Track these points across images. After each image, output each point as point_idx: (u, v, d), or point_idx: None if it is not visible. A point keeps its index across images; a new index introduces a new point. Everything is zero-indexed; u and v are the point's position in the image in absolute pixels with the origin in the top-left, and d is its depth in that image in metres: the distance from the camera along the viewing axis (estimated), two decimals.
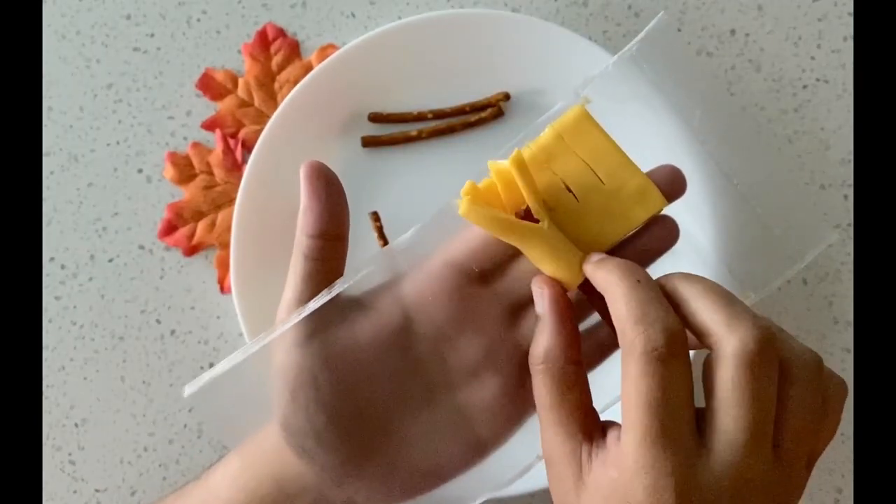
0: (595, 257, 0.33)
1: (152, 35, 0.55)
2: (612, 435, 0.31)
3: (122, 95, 0.55)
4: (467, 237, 0.36)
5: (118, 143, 0.55)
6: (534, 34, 0.51)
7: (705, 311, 0.30)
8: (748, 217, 0.37)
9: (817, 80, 0.54)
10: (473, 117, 0.53)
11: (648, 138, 0.38)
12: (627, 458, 0.29)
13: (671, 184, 0.36)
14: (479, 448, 0.36)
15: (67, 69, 0.55)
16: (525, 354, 0.35)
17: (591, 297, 0.35)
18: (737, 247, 0.40)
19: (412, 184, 0.53)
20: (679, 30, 0.55)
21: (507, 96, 0.52)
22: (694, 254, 0.41)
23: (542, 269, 0.34)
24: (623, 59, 0.36)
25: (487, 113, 0.52)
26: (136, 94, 0.55)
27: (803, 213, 0.37)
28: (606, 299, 0.31)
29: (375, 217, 0.52)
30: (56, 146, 0.55)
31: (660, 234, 0.37)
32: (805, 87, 0.54)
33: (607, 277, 0.32)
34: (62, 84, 0.55)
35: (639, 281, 0.30)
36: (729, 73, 0.54)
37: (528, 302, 0.36)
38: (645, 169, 0.36)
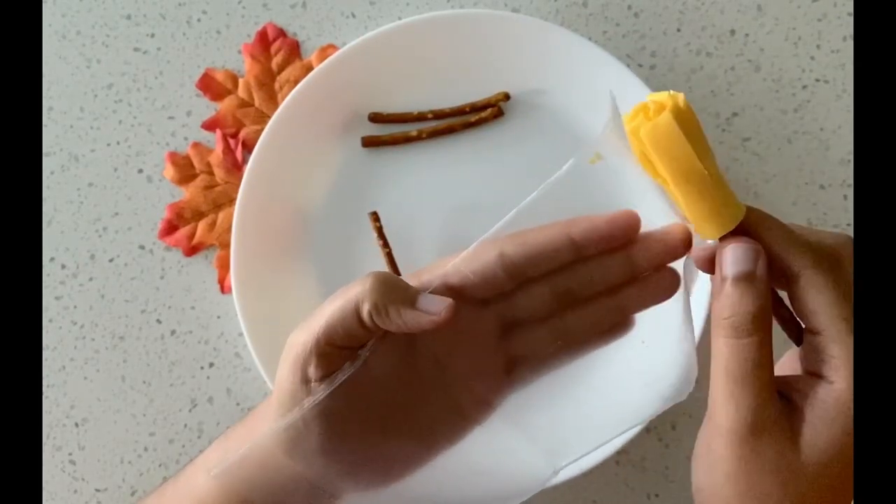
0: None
1: (153, 35, 0.55)
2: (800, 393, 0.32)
3: (123, 95, 0.55)
4: (468, 266, 0.36)
5: (118, 143, 0.55)
6: (534, 34, 0.51)
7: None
8: None
9: (817, 80, 0.54)
10: (473, 117, 0.53)
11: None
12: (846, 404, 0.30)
13: (682, 244, 0.36)
14: (466, 425, 0.38)
15: (68, 69, 0.55)
16: (512, 359, 0.38)
17: None
18: None
19: (412, 184, 0.53)
20: (679, 30, 0.55)
21: (507, 96, 0.52)
22: None
23: (702, 216, 0.33)
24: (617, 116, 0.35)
25: (487, 113, 0.52)
26: (136, 94, 0.55)
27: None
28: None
29: (375, 217, 0.52)
30: (56, 146, 0.55)
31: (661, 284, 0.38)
32: (805, 87, 0.54)
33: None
34: (62, 84, 0.55)
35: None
36: (728, 73, 0.54)
37: (521, 321, 0.37)
38: (658, 223, 0.36)
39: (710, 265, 0.34)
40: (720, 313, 0.32)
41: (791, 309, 0.34)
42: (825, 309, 0.31)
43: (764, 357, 0.31)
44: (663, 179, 0.33)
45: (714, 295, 0.33)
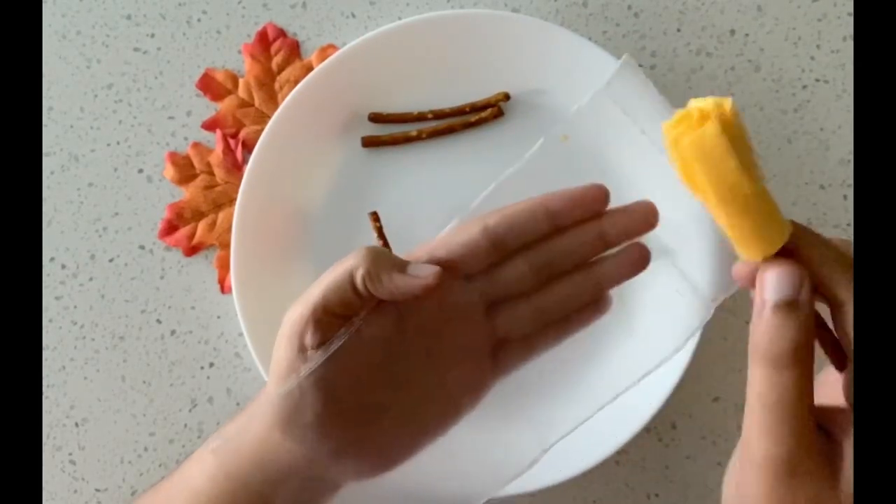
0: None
1: (153, 35, 0.55)
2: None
3: (123, 95, 0.55)
4: (453, 240, 0.38)
5: (118, 143, 0.55)
6: (534, 34, 0.51)
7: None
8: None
9: (817, 80, 0.54)
10: (473, 117, 0.53)
11: (627, 167, 0.41)
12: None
13: (646, 217, 0.38)
14: (455, 413, 0.39)
15: (68, 69, 0.55)
16: (498, 341, 0.39)
17: None
18: (704, 255, 0.41)
19: (412, 184, 0.53)
20: (679, 30, 0.55)
21: (507, 96, 0.52)
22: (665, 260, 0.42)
23: (744, 236, 0.31)
24: (597, 96, 0.38)
25: (487, 113, 0.52)
26: (136, 94, 0.55)
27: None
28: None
29: (375, 217, 0.52)
30: (56, 146, 0.55)
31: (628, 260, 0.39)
32: (805, 87, 0.54)
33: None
34: (63, 84, 0.55)
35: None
36: (728, 73, 0.54)
37: (504, 297, 0.39)
38: (622, 200, 0.38)
39: (751, 282, 0.32)
40: (759, 341, 0.30)
41: (834, 332, 0.32)
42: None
43: (804, 391, 0.30)
44: (703, 193, 0.31)
45: (754, 317, 0.31)
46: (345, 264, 0.36)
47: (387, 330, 0.38)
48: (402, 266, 0.36)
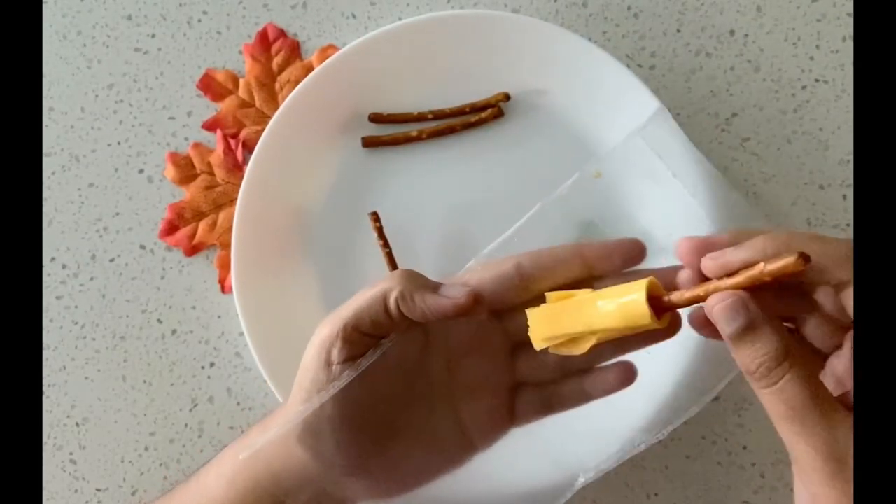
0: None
1: (153, 35, 0.55)
2: None
3: (123, 96, 0.55)
4: (485, 273, 0.38)
5: (119, 143, 0.55)
6: (534, 34, 0.51)
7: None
8: None
9: (816, 80, 0.54)
10: (473, 117, 0.53)
11: (655, 208, 0.42)
12: None
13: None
14: (469, 450, 0.39)
15: (68, 69, 0.55)
16: (518, 384, 0.39)
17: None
18: None
19: (412, 184, 0.53)
20: (678, 31, 0.55)
21: (507, 96, 0.52)
22: None
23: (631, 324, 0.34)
24: (632, 136, 0.39)
25: (487, 113, 0.52)
26: (137, 94, 0.55)
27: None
28: None
29: (375, 217, 0.52)
30: (57, 146, 0.55)
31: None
32: (804, 87, 0.54)
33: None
34: (63, 84, 0.55)
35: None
36: (728, 73, 0.54)
37: (529, 342, 0.37)
38: (651, 241, 0.38)
39: (711, 331, 0.33)
40: (747, 369, 0.32)
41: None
42: None
43: (812, 385, 0.31)
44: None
45: (732, 352, 0.32)
46: (380, 285, 0.36)
47: (412, 355, 0.38)
48: (435, 286, 0.36)
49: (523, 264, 0.37)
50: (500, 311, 0.39)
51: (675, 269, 0.36)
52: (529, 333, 0.36)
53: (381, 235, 0.52)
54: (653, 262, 0.38)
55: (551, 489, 0.40)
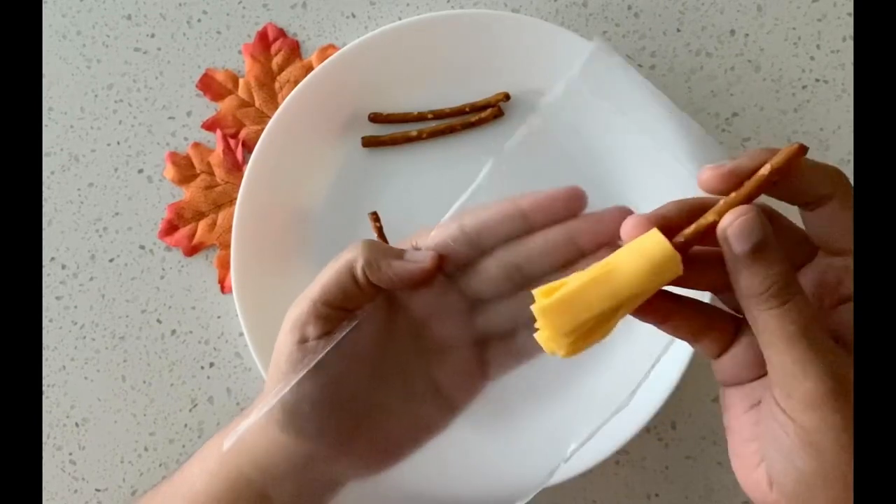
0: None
1: (153, 35, 0.55)
2: None
3: (123, 96, 0.55)
4: (432, 238, 0.38)
5: (119, 143, 0.55)
6: (534, 34, 0.51)
7: None
8: None
9: (817, 80, 0.54)
10: (473, 117, 0.53)
11: (609, 151, 0.41)
12: None
13: (619, 223, 0.35)
14: (449, 412, 0.39)
15: (68, 69, 0.55)
16: (481, 338, 0.39)
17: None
18: None
19: (412, 184, 0.53)
20: (678, 30, 0.55)
21: (507, 96, 0.52)
22: None
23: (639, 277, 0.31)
24: (570, 84, 0.38)
25: (487, 113, 0.52)
26: (136, 94, 0.55)
27: None
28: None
29: (375, 217, 0.52)
30: (57, 146, 0.55)
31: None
32: (804, 87, 0.54)
33: None
34: (63, 84, 0.55)
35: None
36: (728, 73, 0.54)
37: (484, 297, 0.39)
38: (608, 184, 0.37)
39: (709, 240, 0.32)
40: (754, 290, 0.30)
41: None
42: (849, 229, 0.31)
43: (814, 310, 0.30)
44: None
45: (734, 273, 0.31)
46: (343, 258, 0.37)
47: (381, 325, 0.38)
48: (398, 254, 0.37)
49: (465, 225, 0.38)
50: (451, 271, 0.39)
51: (618, 210, 0.36)
52: (542, 339, 0.32)
53: (381, 235, 0.52)
54: (618, 202, 0.37)
55: (544, 463, 0.40)
